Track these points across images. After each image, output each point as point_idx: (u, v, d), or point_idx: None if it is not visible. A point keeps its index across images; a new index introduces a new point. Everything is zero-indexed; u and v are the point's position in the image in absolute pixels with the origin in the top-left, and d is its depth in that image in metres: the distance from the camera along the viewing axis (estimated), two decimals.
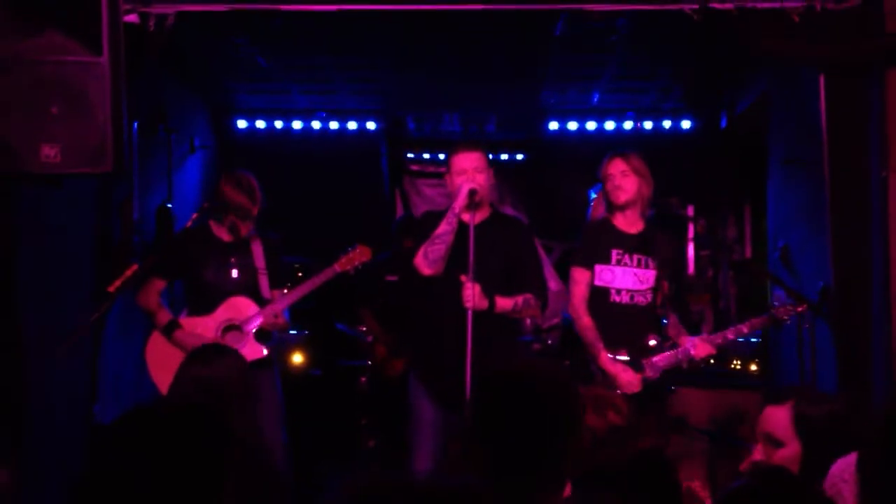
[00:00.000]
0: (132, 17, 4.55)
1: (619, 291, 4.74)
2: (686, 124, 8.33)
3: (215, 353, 3.46)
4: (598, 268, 4.76)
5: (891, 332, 4.56)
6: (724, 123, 7.95)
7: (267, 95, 7.96)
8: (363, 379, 6.94)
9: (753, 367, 6.86)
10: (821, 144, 4.83)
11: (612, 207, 4.83)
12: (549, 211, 8.41)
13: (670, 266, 4.86)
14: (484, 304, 4.40)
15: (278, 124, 8.36)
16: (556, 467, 1.99)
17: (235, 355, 3.47)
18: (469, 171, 4.56)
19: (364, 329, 6.89)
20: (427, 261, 4.52)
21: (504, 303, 4.51)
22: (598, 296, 4.76)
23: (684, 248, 5.97)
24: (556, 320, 6.99)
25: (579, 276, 4.78)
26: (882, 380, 4.53)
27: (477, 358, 4.15)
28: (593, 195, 5.75)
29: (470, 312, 4.26)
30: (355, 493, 1.28)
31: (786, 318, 4.92)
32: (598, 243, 4.80)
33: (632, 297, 4.74)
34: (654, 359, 4.68)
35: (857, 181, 4.69)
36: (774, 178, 6.75)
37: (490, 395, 2.06)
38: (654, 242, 4.80)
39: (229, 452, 1.73)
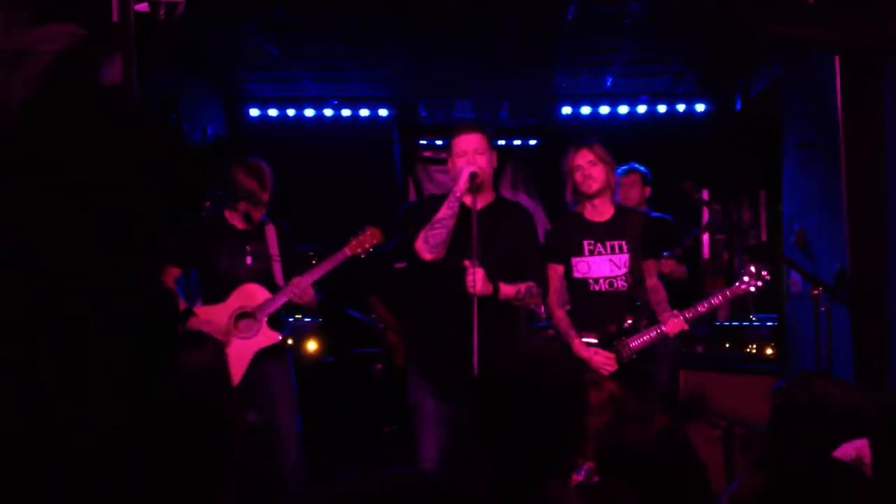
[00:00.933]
0: (142, 6, 4.53)
1: (596, 280, 4.76)
2: (700, 108, 8.29)
3: (192, 343, 3.45)
4: (573, 260, 4.78)
5: None
6: (738, 107, 7.90)
7: (278, 83, 7.97)
8: (378, 366, 6.94)
9: (769, 351, 6.83)
10: (835, 128, 4.79)
11: (581, 197, 4.82)
12: (562, 196, 8.38)
13: (648, 243, 4.83)
14: (488, 289, 4.37)
15: (290, 112, 8.37)
16: (561, 458, 1.98)
17: (214, 343, 3.45)
18: (469, 152, 4.49)
19: (375, 316, 6.89)
20: (427, 245, 4.45)
21: (507, 289, 4.48)
22: (579, 287, 4.79)
23: (657, 223, 5.90)
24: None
25: (551, 271, 4.80)
26: None
27: (481, 347, 4.11)
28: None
29: (475, 299, 4.21)
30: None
31: (751, 289, 4.85)
32: (567, 237, 4.81)
33: (611, 284, 4.76)
34: (627, 339, 4.68)
35: (873, 164, 4.66)
36: (789, 162, 6.70)
37: (492, 388, 2.03)
38: (625, 225, 4.80)
39: (228, 449, 1.72)
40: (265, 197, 4.90)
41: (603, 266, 4.76)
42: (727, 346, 6.79)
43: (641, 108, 8.27)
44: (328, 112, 8.39)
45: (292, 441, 4.93)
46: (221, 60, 7.25)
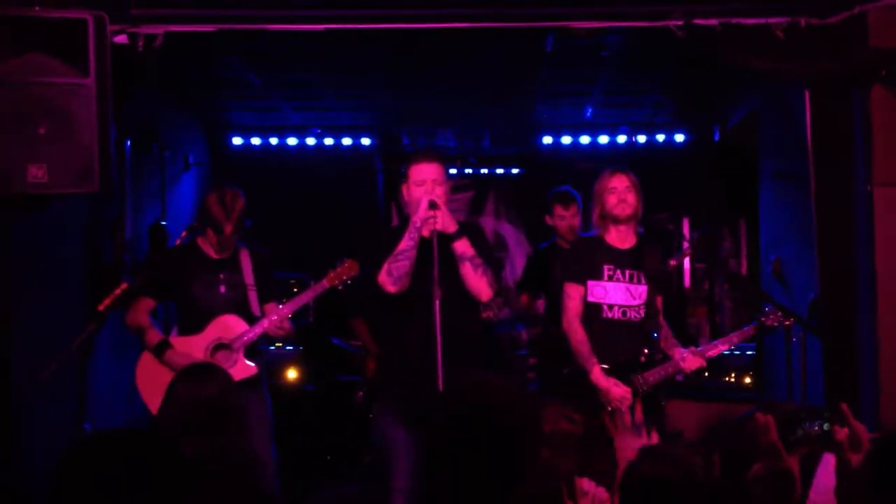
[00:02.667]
0: (121, 38, 4.58)
1: (611, 307, 4.75)
2: (679, 138, 8.36)
3: (205, 372, 3.47)
4: (590, 283, 4.76)
5: (878, 345, 4.56)
6: (716, 137, 7.98)
7: (261, 112, 8.01)
8: (360, 393, 6.94)
9: (747, 380, 6.87)
10: (808, 159, 4.85)
11: (607, 221, 4.83)
12: (544, 224, 8.43)
13: (660, 280, 4.88)
14: (452, 226, 4.38)
15: (273, 141, 8.41)
16: (510, 489, 1.98)
17: (224, 373, 3.47)
18: (427, 182, 4.46)
19: (359, 343, 6.90)
20: (391, 278, 4.43)
21: (464, 247, 4.43)
22: (591, 311, 4.76)
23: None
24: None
25: (573, 291, 4.77)
26: (869, 393, 4.54)
27: (448, 375, 4.11)
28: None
29: (438, 331, 4.17)
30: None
31: (775, 324, 4.94)
32: (590, 259, 4.80)
33: (624, 313, 4.75)
34: (645, 374, 4.69)
35: (843, 195, 4.71)
36: (766, 192, 6.77)
37: (444, 417, 2.04)
38: (645, 257, 4.81)
39: (179, 480, 1.75)
40: (228, 229, 4.83)
41: (619, 293, 4.75)
42: (706, 374, 6.82)
43: (621, 138, 8.35)
44: (311, 141, 8.43)
45: (268, 471, 4.92)
46: (204, 90, 7.29)
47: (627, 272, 4.78)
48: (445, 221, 4.37)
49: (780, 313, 4.94)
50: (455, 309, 4.34)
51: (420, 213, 4.39)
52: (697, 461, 2.36)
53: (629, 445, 2.88)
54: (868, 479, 2.09)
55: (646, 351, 4.75)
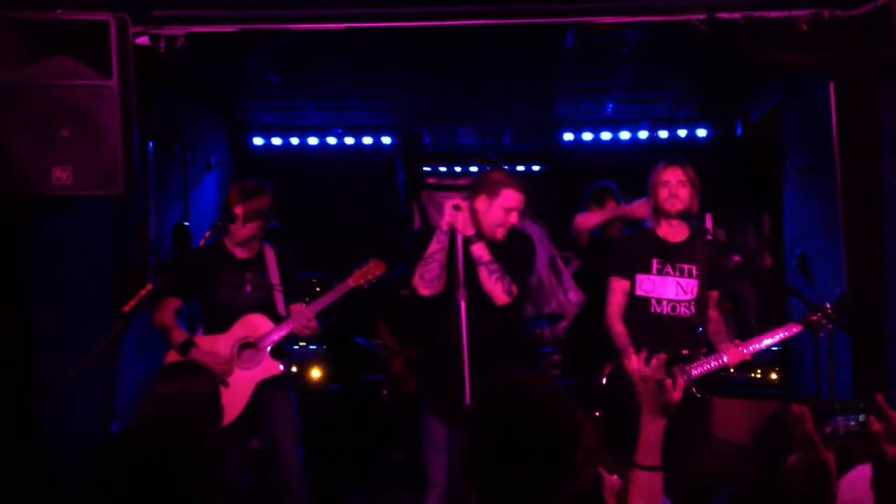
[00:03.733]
0: (143, 40, 4.60)
1: (659, 301, 4.68)
2: (702, 133, 8.30)
3: (183, 371, 3.47)
4: (638, 277, 4.71)
5: None
6: (739, 132, 7.92)
7: (282, 112, 8.02)
8: (384, 392, 6.94)
9: (774, 376, 6.82)
10: (833, 152, 4.81)
11: (659, 215, 4.78)
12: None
13: (716, 275, 4.77)
14: (468, 230, 4.39)
15: (294, 141, 8.42)
16: (549, 491, 1.96)
17: (205, 372, 3.47)
18: (514, 211, 4.53)
19: (381, 343, 6.90)
20: (423, 281, 4.49)
21: (480, 251, 4.44)
22: (639, 306, 4.70)
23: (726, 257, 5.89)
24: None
25: (616, 284, 4.73)
26: None
27: (479, 375, 4.12)
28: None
29: (464, 331, 4.16)
30: None
31: (822, 322, 4.80)
32: (637, 252, 4.74)
33: (673, 308, 4.67)
34: (688, 366, 4.59)
35: (869, 188, 4.67)
36: (790, 186, 6.72)
37: (482, 417, 2.03)
38: (697, 251, 4.70)
39: (207, 473, 1.75)
40: (239, 210, 4.84)
41: (669, 287, 4.69)
42: (732, 371, 6.77)
43: (643, 134, 8.29)
44: (332, 140, 8.43)
45: (295, 470, 4.93)
46: (225, 90, 7.31)
47: (678, 266, 4.71)
48: (464, 225, 4.38)
49: (823, 313, 4.81)
50: (486, 310, 4.35)
51: (445, 218, 4.42)
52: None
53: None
54: None
55: (685, 350, 4.62)
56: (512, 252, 4.55)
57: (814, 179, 5.96)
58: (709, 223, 8.09)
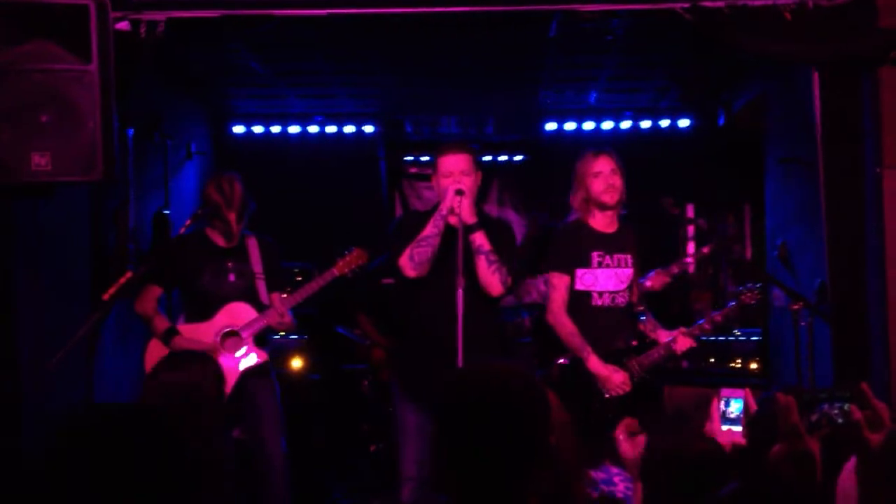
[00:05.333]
0: (123, 25, 4.54)
1: (601, 294, 4.66)
2: (684, 123, 8.31)
3: (187, 359, 3.45)
4: (578, 272, 4.65)
5: (888, 329, 4.54)
6: (721, 122, 7.94)
7: (263, 100, 7.97)
8: (365, 382, 6.93)
9: (754, 366, 6.85)
10: (816, 143, 4.81)
11: (592, 205, 4.72)
12: (547, 211, 8.40)
13: (641, 260, 4.84)
14: (471, 218, 4.40)
15: (275, 129, 8.36)
16: (524, 478, 1.94)
17: (209, 360, 3.44)
18: (455, 173, 4.49)
19: (361, 333, 6.89)
20: (412, 263, 4.47)
21: (480, 239, 4.44)
22: (579, 300, 4.65)
23: (679, 246, 5.97)
24: None
25: (558, 280, 4.65)
26: (879, 377, 4.52)
27: (466, 362, 4.11)
28: None
29: (461, 317, 4.17)
30: None
31: (752, 302, 4.92)
32: (577, 246, 4.69)
33: (612, 299, 4.68)
34: (639, 358, 4.67)
35: (852, 177, 4.67)
36: (772, 176, 6.74)
37: (457, 403, 2.01)
38: (628, 239, 4.76)
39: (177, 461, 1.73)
40: (231, 215, 4.82)
41: (609, 280, 4.67)
42: (712, 360, 6.80)
43: (626, 124, 8.29)
44: (313, 129, 8.38)
45: (278, 460, 4.92)
46: (206, 77, 7.25)
47: (616, 257, 4.70)
48: (466, 211, 4.36)
49: (757, 291, 4.90)
50: (472, 298, 4.33)
51: (446, 201, 4.39)
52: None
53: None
54: (889, 459, 2.07)
55: (633, 339, 4.73)
56: (497, 242, 4.54)
57: (795, 169, 5.98)
58: (690, 213, 8.16)
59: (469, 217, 4.40)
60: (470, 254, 4.38)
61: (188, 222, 5.03)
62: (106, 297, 4.47)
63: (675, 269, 5.04)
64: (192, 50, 6.13)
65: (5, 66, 3.93)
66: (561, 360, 4.69)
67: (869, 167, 4.61)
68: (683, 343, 4.68)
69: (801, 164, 5.67)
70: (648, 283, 4.98)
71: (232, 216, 4.80)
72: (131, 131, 5.81)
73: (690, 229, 8.06)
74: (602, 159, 4.67)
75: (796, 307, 4.96)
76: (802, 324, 5.30)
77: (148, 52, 4.65)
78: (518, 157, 8.85)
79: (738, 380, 6.71)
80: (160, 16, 4.58)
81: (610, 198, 4.66)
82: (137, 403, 3.45)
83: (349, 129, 8.42)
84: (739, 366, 6.82)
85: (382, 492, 6.31)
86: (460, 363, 4.11)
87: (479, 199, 8.83)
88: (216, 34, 5.44)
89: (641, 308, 4.83)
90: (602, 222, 4.73)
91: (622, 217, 4.81)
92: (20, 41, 3.94)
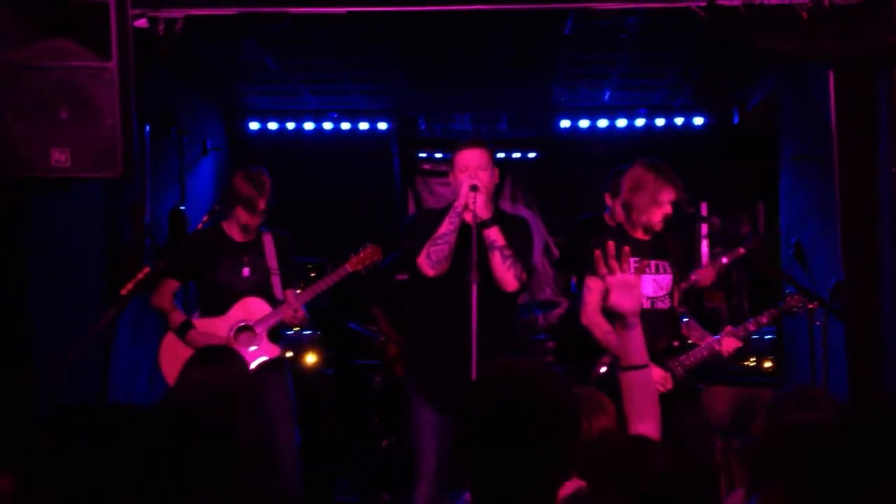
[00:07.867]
0: (141, 22, 4.57)
1: None
2: (698, 121, 8.30)
3: (219, 355, 3.46)
4: None
5: None
6: (735, 120, 7.93)
7: (278, 97, 7.99)
8: (377, 378, 6.95)
9: (768, 364, 6.85)
10: (830, 140, 4.81)
11: (637, 222, 4.77)
12: (561, 208, 8.40)
13: (685, 265, 4.84)
14: (486, 213, 4.41)
15: (290, 125, 8.39)
16: (546, 480, 1.94)
17: (239, 357, 3.47)
18: (472, 168, 4.49)
19: (376, 329, 6.91)
20: (430, 261, 4.47)
21: (495, 235, 4.46)
22: None
23: (695, 245, 5.94)
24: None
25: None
26: (893, 376, 4.51)
27: (481, 359, 4.11)
28: None
29: (475, 313, 4.19)
30: None
31: (796, 308, 4.93)
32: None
33: (653, 304, 4.70)
34: (681, 357, 4.67)
35: (867, 177, 4.66)
36: (786, 174, 6.73)
37: (482, 403, 2.00)
38: (667, 245, 4.78)
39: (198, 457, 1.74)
40: (262, 205, 4.89)
41: (647, 286, 4.69)
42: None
43: (640, 122, 8.28)
44: (328, 125, 8.40)
45: (291, 453, 4.95)
46: (221, 74, 7.27)
47: (654, 263, 4.72)
48: (481, 207, 4.37)
49: (801, 298, 4.93)
50: (487, 294, 4.34)
51: (461, 197, 4.41)
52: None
53: None
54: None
55: (675, 341, 4.71)
56: (512, 237, 4.55)
57: (808, 167, 5.97)
58: (704, 211, 8.14)
59: (484, 212, 4.41)
60: (484, 249, 4.39)
61: (205, 218, 5.07)
62: (124, 292, 4.51)
63: (724, 260, 5.04)
64: (209, 47, 6.15)
65: (25, 63, 3.97)
66: (603, 369, 4.67)
67: (884, 166, 4.60)
68: (730, 343, 4.69)
69: (816, 162, 5.66)
70: (694, 278, 4.96)
71: (262, 205, 4.87)
72: (148, 127, 5.84)
73: (704, 227, 8.04)
74: (669, 190, 4.71)
75: (811, 306, 4.96)
76: (817, 323, 5.30)
77: (165, 50, 4.67)
78: (531, 155, 8.86)
79: (752, 378, 6.72)
80: (178, 13, 4.60)
81: (662, 226, 4.75)
82: (165, 403, 3.46)
83: (363, 125, 8.44)
84: (754, 364, 6.82)
85: (393, 487, 6.33)
86: (474, 359, 4.10)
87: (493, 197, 8.96)
88: (233, 31, 5.47)
89: (683, 310, 4.83)
90: (641, 230, 4.77)
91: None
92: (40, 38, 3.98)
